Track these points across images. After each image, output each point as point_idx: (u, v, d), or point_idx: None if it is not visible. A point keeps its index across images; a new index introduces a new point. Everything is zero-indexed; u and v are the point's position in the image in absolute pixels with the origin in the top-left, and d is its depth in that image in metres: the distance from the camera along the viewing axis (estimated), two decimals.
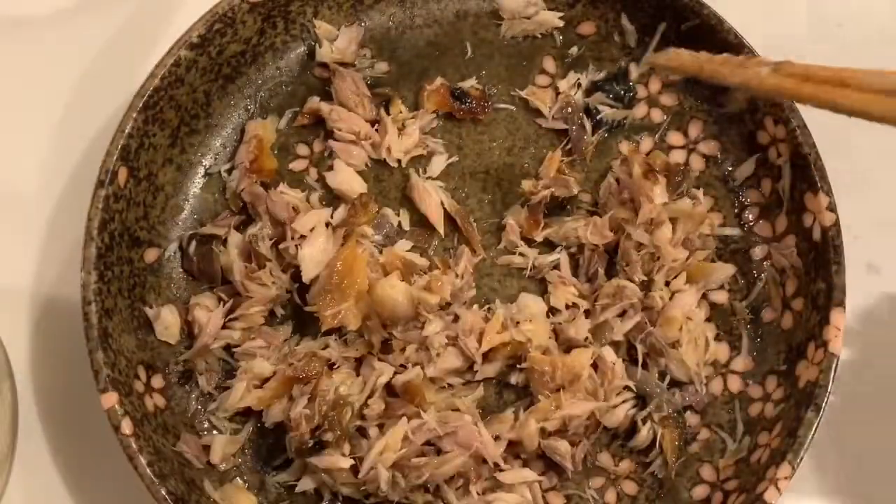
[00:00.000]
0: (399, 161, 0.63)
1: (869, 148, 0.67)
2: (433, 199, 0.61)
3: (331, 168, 0.62)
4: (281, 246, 0.60)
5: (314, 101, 0.63)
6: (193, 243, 0.61)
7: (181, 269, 0.61)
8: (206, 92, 0.62)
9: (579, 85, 0.64)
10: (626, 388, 0.58)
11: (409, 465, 0.55)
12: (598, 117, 0.63)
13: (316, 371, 0.57)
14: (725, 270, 0.60)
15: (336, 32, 0.64)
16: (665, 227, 0.59)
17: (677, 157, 0.63)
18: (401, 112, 0.63)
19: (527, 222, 0.61)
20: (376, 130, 0.63)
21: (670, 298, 0.59)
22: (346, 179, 0.62)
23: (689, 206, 0.60)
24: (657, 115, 0.64)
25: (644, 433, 0.58)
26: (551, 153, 0.63)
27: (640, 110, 0.64)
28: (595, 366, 0.58)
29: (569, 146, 0.63)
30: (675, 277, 0.60)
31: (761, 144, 0.61)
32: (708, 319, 0.60)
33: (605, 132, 0.64)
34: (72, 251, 0.62)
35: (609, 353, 0.58)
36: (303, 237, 0.59)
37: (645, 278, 0.59)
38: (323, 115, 0.63)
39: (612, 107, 0.63)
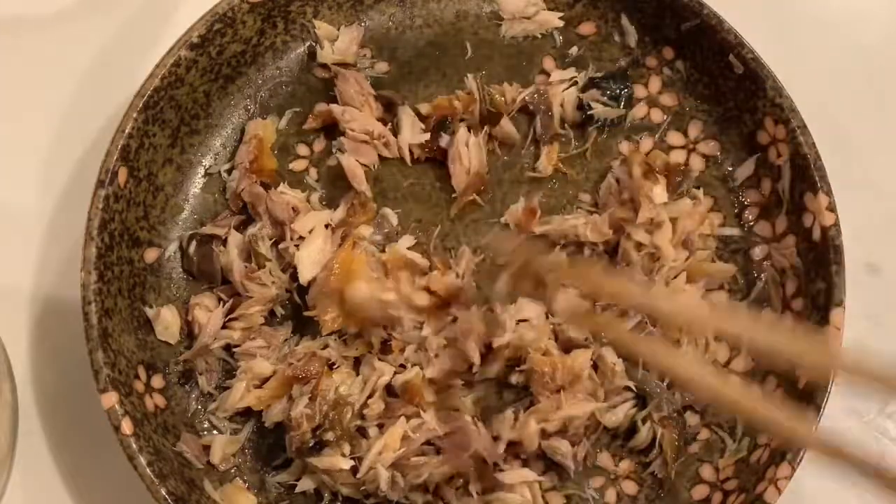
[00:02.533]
0: (414, 156, 0.63)
1: (869, 148, 0.67)
2: (474, 158, 0.61)
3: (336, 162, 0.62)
4: (280, 246, 0.60)
5: (323, 106, 0.63)
6: (193, 243, 0.61)
7: (181, 269, 0.61)
8: (206, 92, 0.62)
9: (576, 82, 0.64)
10: (626, 388, 0.58)
11: (409, 464, 0.55)
12: (588, 113, 0.63)
13: (316, 371, 0.57)
14: (725, 270, 0.60)
15: (336, 33, 0.64)
16: (665, 227, 0.59)
17: (677, 157, 0.63)
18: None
19: (523, 213, 0.61)
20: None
21: None
22: (353, 165, 0.62)
23: (690, 205, 0.60)
24: (657, 115, 0.64)
25: (644, 433, 0.58)
26: (548, 147, 0.63)
27: (640, 110, 0.64)
28: (595, 366, 0.58)
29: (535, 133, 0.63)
30: (676, 277, 0.59)
31: (761, 144, 0.61)
32: None
33: (597, 129, 0.63)
34: (72, 251, 0.62)
35: (609, 354, 0.58)
36: (301, 238, 0.59)
37: (645, 278, 0.59)
38: (336, 118, 0.62)
39: (605, 105, 0.63)
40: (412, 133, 0.62)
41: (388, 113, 0.64)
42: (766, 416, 0.44)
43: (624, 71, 0.64)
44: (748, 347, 0.58)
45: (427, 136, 0.62)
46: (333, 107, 0.63)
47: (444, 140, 0.62)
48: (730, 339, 0.59)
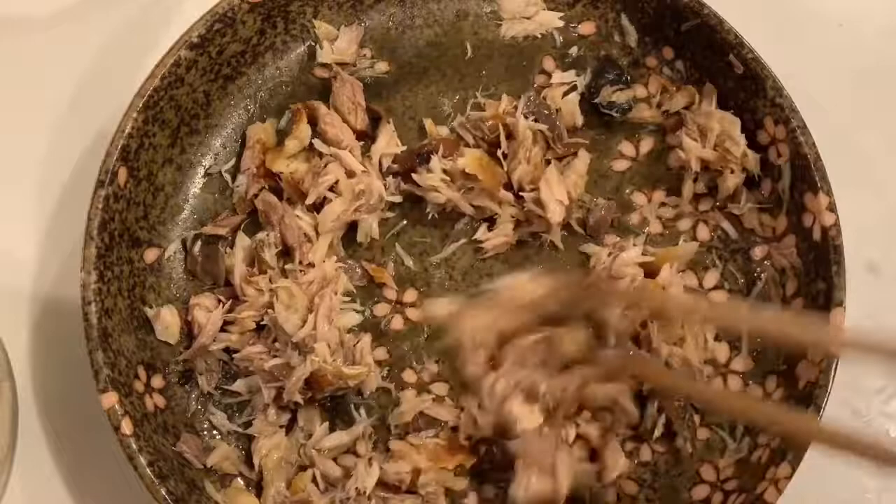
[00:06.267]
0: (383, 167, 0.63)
1: (869, 147, 0.67)
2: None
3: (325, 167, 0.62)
4: (287, 267, 0.60)
5: (313, 103, 0.63)
6: (199, 243, 0.61)
7: (182, 269, 0.61)
8: (206, 92, 0.62)
9: (575, 87, 0.64)
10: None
11: None
12: (614, 110, 0.63)
13: None
14: (689, 249, 0.61)
15: (336, 32, 0.64)
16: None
17: (677, 157, 0.63)
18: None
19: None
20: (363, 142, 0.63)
21: None
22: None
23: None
24: (658, 116, 0.64)
25: (651, 412, 0.58)
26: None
27: (640, 111, 0.64)
28: None
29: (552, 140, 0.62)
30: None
31: (761, 144, 0.61)
32: None
33: (596, 130, 0.63)
34: (72, 251, 0.62)
35: None
36: (311, 265, 0.59)
37: None
38: (318, 115, 0.62)
39: (621, 90, 0.63)
40: (387, 144, 0.62)
41: (373, 126, 0.63)
42: (769, 416, 0.44)
43: (612, 59, 0.64)
44: (750, 334, 0.58)
45: (401, 148, 0.62)
46: (321, 105, 0.62)
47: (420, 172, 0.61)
48: (730, 329, 0.58)
